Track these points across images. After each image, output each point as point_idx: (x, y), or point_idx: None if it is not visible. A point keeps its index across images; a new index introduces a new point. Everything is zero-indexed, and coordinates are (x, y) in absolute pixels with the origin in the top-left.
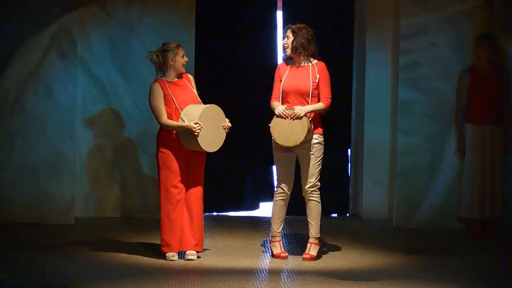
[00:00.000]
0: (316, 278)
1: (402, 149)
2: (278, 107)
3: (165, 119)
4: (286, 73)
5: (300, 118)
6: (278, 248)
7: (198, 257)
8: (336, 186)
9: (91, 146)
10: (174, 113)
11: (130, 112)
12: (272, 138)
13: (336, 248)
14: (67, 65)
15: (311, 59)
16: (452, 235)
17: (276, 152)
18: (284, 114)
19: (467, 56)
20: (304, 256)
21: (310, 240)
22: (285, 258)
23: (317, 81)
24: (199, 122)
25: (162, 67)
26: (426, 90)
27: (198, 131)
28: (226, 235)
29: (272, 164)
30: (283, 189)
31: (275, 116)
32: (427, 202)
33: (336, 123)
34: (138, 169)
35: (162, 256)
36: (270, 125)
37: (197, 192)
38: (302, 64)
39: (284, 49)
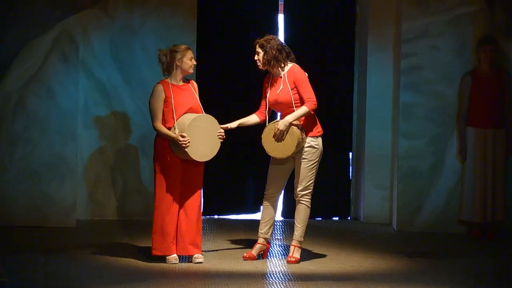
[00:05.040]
0: (317, 281)
1: (403, 152)
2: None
3: (157, 123)
4: (269, 85)
5: (285, 131)
6: (251, 249)
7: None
8: (337, 189)
9: (92, 149)
10: (172, 118)
11: (131, 115)
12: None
13: (337, 252)
14: (69, 68)
15: (284, 67)
16: (454, 238)
17: (273, 158)
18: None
19: (468, 60)
20: (289, 259)
21: (294, 243)
22: (245, 258)
23: (294, 87)
24: (185, 135)
25: (169, 68)
26: (428, 93)
27: (184, 144)
28: (227, 238)
29: None
30: (269, 193)
31: (266, 127)
32: (428, 205)
33: (337, 126)
34: (140, 172)
35: (163, 259)
36: (261, 136)
37: (195, 195)
38: (276, 76)
39: (257, 65)
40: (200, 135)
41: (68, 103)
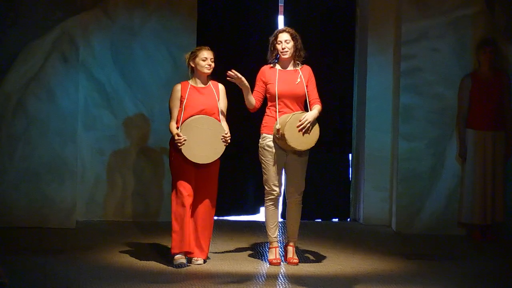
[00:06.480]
0: (317, 283)
1: (403, 154)
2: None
3: (170, 122)
4: (276, 76)
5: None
6: (273, 254)
7: (204, 261)
8: (337, 191)
9: (92, 150)
10: (180, 118)
11: (131, 116)
12: (276, 138)
13: (336, 253)
14: (69, 69)
15: (299, 63)
16: (453, 240)
17: (268, 153)
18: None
19: (468, 61)
20: (290, 260)
21: (292, 243)
22: (277, 264)
23: (307, 85)
24: (181, 134)
25: (190, 71)
26: (428, 95)
27: (179, 142)
28: (227, 239)
29: None
30: (274, 191)
31: (286, 118)
32: (428, 207)
33: (337, 128)
34: (139, 173)
35: (164, 260)
36: (279, 127)
37: (206, 200)
38: (290, 68)
39: (283, 53)
40: (198, 136)
41: (68, 104)
